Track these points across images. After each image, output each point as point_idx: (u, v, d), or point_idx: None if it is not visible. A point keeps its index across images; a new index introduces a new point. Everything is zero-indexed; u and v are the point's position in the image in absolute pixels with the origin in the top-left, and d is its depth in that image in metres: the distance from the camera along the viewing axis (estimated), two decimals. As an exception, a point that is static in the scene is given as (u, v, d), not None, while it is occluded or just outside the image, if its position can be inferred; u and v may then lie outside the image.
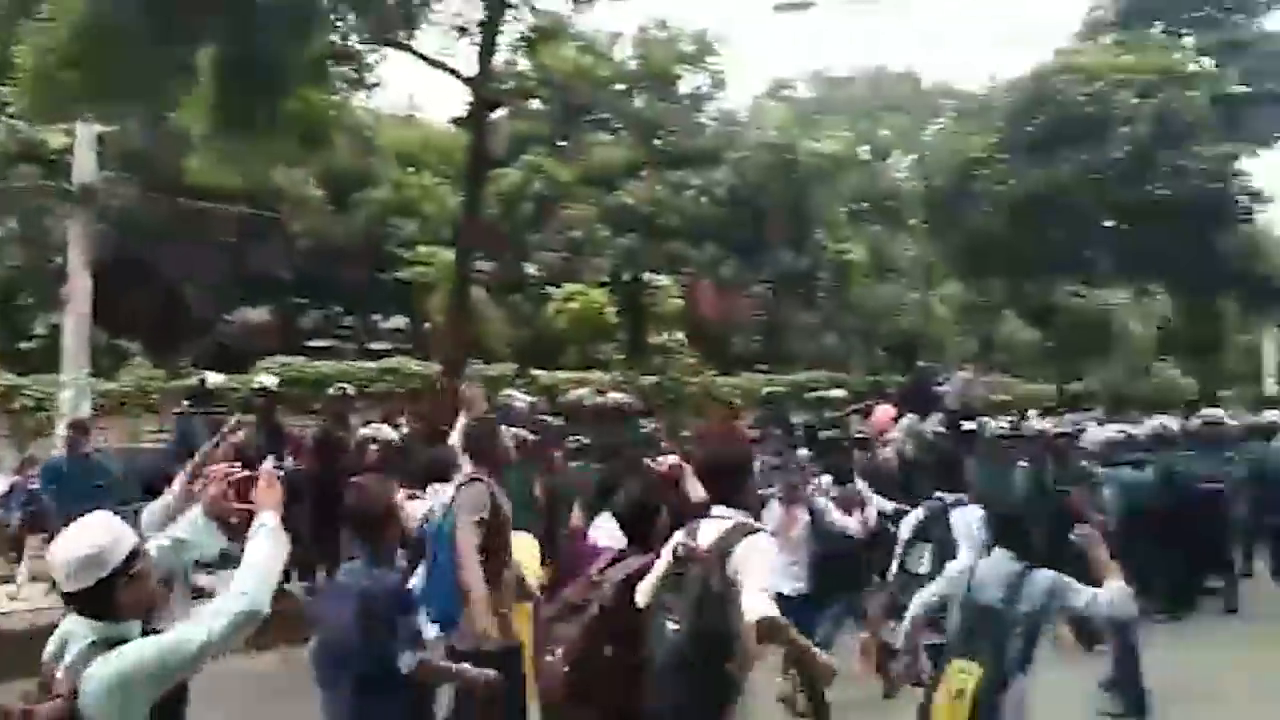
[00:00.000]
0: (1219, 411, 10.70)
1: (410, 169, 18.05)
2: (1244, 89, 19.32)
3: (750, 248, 19.12)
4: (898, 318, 20.88)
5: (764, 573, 3.17)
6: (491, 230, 15.56)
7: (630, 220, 17.85)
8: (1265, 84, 19.67)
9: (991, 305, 22.15)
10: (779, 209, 19.11)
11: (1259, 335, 26.61)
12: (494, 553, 4.30)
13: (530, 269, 18.24)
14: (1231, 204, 19.39)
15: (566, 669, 3.53)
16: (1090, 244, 19.32)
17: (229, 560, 2.83)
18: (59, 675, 2.36)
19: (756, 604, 3.05)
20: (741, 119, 21.85)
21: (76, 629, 2.44)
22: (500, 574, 4.33)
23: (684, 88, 20.14)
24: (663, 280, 18.25)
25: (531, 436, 6.63)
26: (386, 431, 7.81)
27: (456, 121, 16.48)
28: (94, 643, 2.40)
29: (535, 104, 18.02)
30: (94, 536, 2.43)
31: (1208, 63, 19.54)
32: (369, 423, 8.42)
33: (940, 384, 11.38)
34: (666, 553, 3.42)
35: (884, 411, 10.78)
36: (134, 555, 2.46)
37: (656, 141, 18.77)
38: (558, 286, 16.71)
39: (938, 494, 5.03)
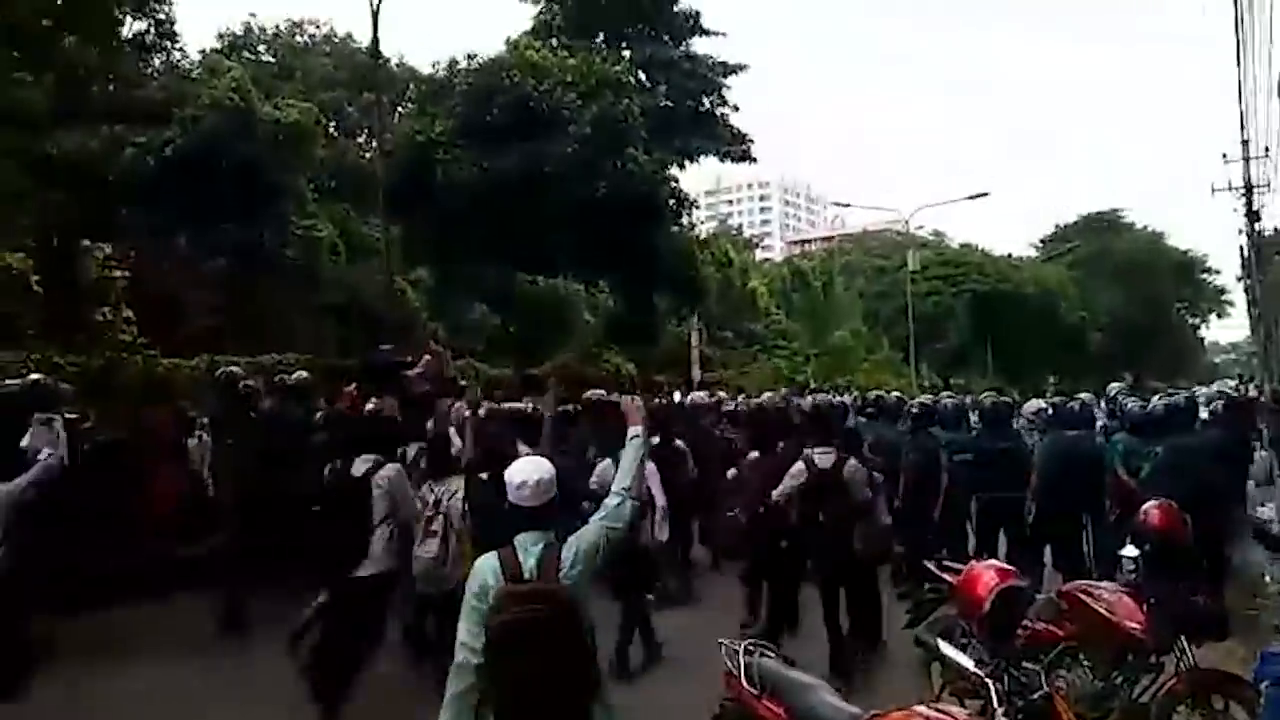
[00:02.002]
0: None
1: None
2: (669, 104, 23.34)
3: (204, 217, 18.71)
4: (370, 300, 21.76)
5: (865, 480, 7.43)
6: None
7: (59, 176, 16.53)
8: (686, 101, 23.96)
9: (457, 290, 23.95)
10: (237, 177, 18.94)
11: (686, 326, 32.18)
12: None
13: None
14: (664, 209, 23.36)
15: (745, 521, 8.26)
16: (544, 236, 21.86)
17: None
18: (529, 574, 3.45)
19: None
20: (196, 76, 21.12)
21: (523, 542, 3.56)
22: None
23: (126, 32, 19.00)
24: (100, 247, 17.15)
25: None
26: None
27: None
28: (548, 544, 3.55)
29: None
30: (547, 468, 3.70)
31: (642, 76, 23.32)
32: None
33: (405, 366, 12.73)
34: (798, 468, 7.30)
35: (348, 392, 11.83)
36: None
37: (93, 89, 17.57)
38: (-33, 247, 15.01)
39: None
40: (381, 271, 20.10)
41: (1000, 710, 3.52)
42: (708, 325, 35.24)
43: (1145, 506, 5.79)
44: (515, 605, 3.34)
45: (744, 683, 4.25)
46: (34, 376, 9.00)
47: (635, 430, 3.89)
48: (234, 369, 12.35)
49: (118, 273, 17.47)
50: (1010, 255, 62.51)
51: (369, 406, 10.90)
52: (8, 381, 8.99)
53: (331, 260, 21.84)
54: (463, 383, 17.07)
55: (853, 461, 7.35)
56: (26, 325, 15.88)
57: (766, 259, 63.59)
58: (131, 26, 19.07)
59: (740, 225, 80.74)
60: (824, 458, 7.30)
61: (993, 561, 4.34)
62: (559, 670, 3.32)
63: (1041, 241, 69.20)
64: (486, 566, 3.56)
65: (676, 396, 15.72)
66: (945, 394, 13.25)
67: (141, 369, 14.35)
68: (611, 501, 3.73)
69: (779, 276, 50.17)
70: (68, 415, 9.07)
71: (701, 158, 25.72)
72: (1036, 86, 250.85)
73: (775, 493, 7.35)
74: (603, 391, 12.86)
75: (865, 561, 7.46)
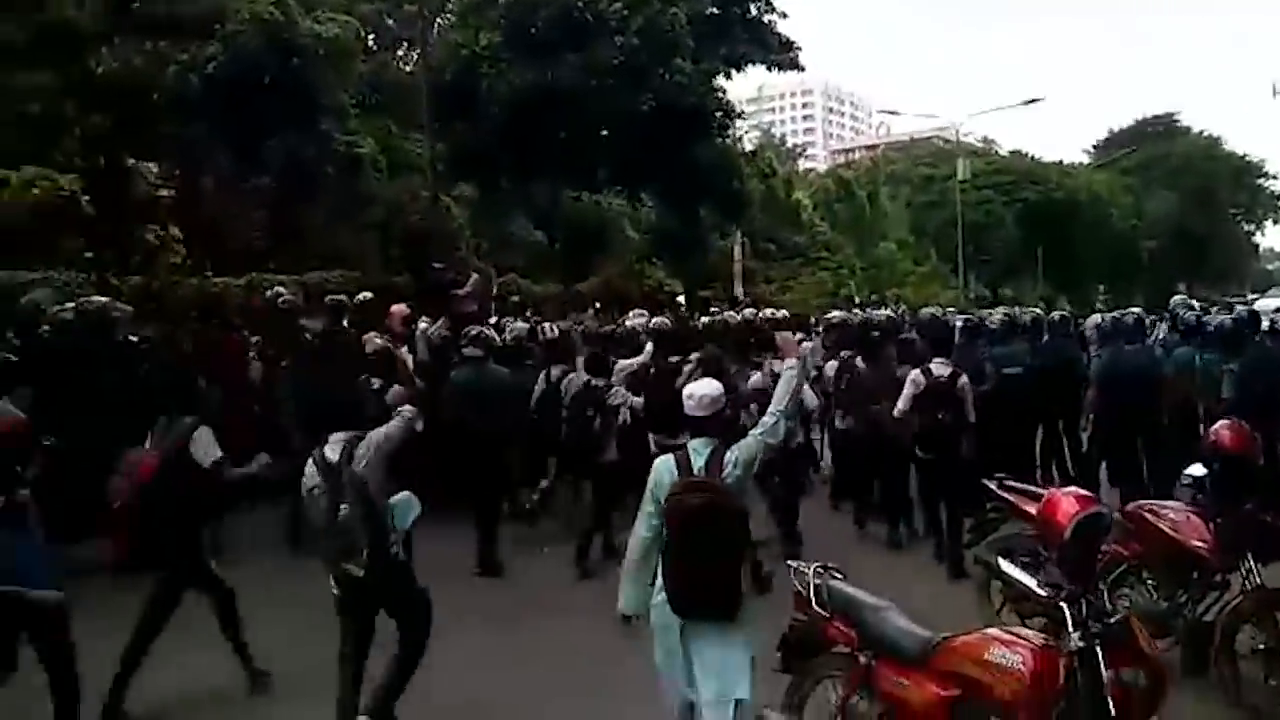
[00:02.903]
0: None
1: None
2: (715, 11, 22.72)
3: (247, 134, 18.68)
4: (412, 216, 21.76)
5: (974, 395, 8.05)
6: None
7: (103, 95, 16.54)
8: (733, 8, 23.27)
9: (501, 206, 23.83)
10: (279, 94, 18.84)
11: (730, 241, 31.88)
12: None
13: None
14: (709, 119, 22.89)
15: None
16: (589, 150, 21.60)
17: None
18: (698, 473, 4.16)
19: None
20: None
21: (695, 446, 4.26)
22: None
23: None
24: (147, 167, 17.19)
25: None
26: None
27: None
28: (714, 450, 4.23)
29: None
30: (717, 386, 4.43)
31: (689, -18, 22.64)
32: None
33: (456, 285, 12.70)
34: (917, 375, 7.85)
35: (398, 310, 11.83)
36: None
37: (135, 5, 17.46)
38: (15, 169, 15.08)
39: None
40: (425, 187, 20.03)
41: (1076, 634, 3.53)
42: (751, 238, 34.86)
43: (1216, 425, 5.70)
44: (689, 493, 4.06)
45: (814, 604, 4.29)
46: (99, 299, 9.01)
47: (791, 362, 4.65)
48: (280, 288, 12.42)
49: (164, 192, 17.52)
50: (1062, 162, 61.01)
51: (420, 325, 10.94)
52: (67, 305, 9.03)
53: (375, 176, 21.74)
54: (514, 298, 17.15)
55: (965, 376, 7.99)
56: (81, 247, 16.05)
57: (810, 169, 62.59)
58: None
59: (783, 135, 79.34)
60: (941, 368, 7.90)
61: (1073, 489, 4.29)
62: (723, 549, 4.02)
63: (1094, 147, 67.48)
64: (664, 465, 4.32)
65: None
66: (1000, 309, 13.06)
67: (196, 289, 14.43)
68: (769, 420, 4.38)
69: (823, 188, 49.41)
70: (130, 338, 9.13)
71: (748, 66, 25.09)
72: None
73: (899, 404, 7.90)
74: (645, 311, 12.85)
75: (967, 470, 7.67)
